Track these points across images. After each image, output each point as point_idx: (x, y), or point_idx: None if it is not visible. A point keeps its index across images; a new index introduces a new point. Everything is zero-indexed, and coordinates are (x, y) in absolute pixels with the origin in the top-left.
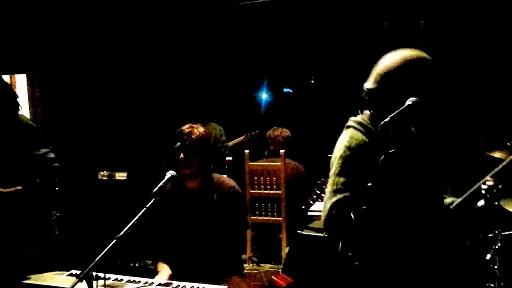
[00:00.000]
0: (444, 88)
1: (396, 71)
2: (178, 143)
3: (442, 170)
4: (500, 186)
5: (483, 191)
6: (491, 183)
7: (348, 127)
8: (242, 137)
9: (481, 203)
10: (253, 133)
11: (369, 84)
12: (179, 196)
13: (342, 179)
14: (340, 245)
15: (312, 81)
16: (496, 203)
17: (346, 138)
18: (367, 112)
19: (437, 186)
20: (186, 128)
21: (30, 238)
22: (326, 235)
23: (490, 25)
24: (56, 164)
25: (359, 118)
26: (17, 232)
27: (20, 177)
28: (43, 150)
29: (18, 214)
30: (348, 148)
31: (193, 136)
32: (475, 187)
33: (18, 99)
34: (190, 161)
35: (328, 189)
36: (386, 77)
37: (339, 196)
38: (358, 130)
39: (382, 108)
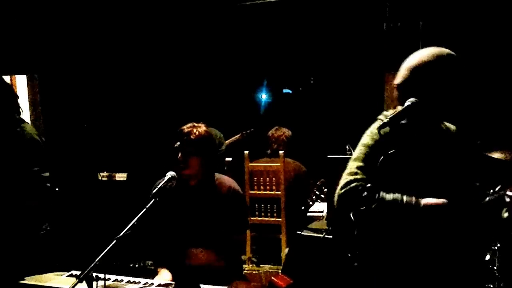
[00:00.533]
0: (469, 83)
1: (423, 65)
2: (178, 143)
3: (472, 166)
4: None
5: (507, 199)
6: None
7: (378, 119)
8: (238, 135)
9: (506, 214)
10: (248, 131)
11: (397, 79)
12: (179, 195)
13: (357, 164)
14: (356, 229)
15: (312, 81)
16: None
17: (371, 128)
18: (399, 107)
19: (461, 183)
20: (186, 127)
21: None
22: (328, 230)
23: (490, 26)
24: (48, 184)
25: (389, 112)
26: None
27: (10, 190)
28: (38, 168)
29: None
30: (369, 137)
31: (191, 137)
32: (496, 194)
33: (18, 100)
34: (189, 162)
35: (345, 172)
36: (413, 72)
37: (350, 178)
38: None
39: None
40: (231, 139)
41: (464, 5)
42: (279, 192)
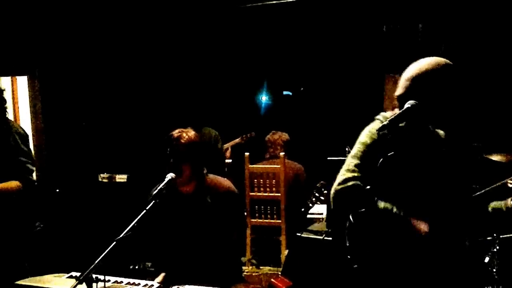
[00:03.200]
0: (467, 92)
1: (423, 74)
2: (168, 149)
3: (465, 170)
4: None
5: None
6: None
7: (376, 119)
8: (238, 139)
9: (511, 202)
10: (248, 135)
11: (398, 90)
12: (174, 200)
13: (355, 161)
14: (348, 223)
15: (302, 89)
16: None
17: (369, 127)
18: (396, 110)
19: (455, 186)
20: (175, 133)
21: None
22: (327, 231)
23: (489, 28)
24: (31, 177)
25: (388, 113)
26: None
27: (6, 175)
28: (24, 159)
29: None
30: (368, 136)
31: (182, 141)
32: (500, 182)
33: (5, 105)
34: (181, 167)
35: (342, 168)
36: (413, 83)
37: (348, 175)
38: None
39: None
40: (231, 143)
41: (463, 7)
42: (279, 194)
